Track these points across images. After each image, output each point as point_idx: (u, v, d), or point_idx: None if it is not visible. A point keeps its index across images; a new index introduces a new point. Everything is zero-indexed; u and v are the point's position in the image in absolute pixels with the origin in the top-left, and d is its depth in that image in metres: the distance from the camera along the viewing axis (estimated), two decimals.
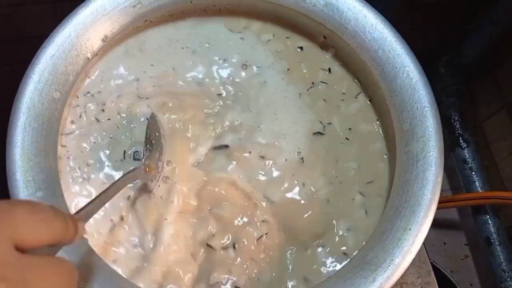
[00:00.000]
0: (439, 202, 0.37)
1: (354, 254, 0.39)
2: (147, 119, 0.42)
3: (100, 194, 0.32)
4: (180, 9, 0.45)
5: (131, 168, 0.39)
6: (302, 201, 0.42)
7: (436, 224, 1.02)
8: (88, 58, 0.41)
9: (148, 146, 0.41)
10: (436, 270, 0.55)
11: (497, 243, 0.86)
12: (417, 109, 0.39)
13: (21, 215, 0.22)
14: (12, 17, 0.61)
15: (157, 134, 0.42)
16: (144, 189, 0.41)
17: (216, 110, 0.45)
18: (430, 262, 0.49)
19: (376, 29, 0.41)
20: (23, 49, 0.41)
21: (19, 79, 0.38)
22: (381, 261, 0.35)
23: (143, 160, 0.40)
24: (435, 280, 0.48)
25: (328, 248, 0.40)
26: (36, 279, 0.22)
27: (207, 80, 0.45)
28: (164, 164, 0.42)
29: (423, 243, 0.36)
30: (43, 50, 0.39)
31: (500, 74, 0.88)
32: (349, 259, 0.39)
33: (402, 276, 0.35)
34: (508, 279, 0.84)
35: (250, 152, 0.43)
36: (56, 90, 0.39)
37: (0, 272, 0.20)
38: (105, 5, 0.41)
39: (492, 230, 0.87)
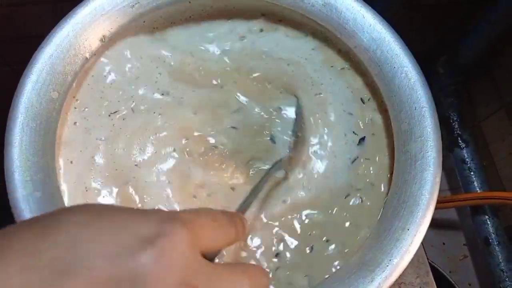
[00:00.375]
0: (438, 202, 0.37)
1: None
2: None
3: (254, 189, 0.33)
4: (178, 10, 0.45)
5: (279, 159, 0.40)
6: None
7: (435, 224, 1.02)
8: (87, 58, 0.41)
9: (294, 138, 0.42)
10: (435, 270, 0.55)
11: (495, 243, 0.86)
12: (415, 109, 0.39)
13: (205, 224, 0.23)
14: (12, 17, 0.61)
15: (303, 125, 0.42)
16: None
17: None
18: (429, 262, 0.49)
19: (375, 29, 0.41)
20: (23, 49, 0.41)
21: (19, 79, 0.38)
22: (380, 261, 0.35)
23: (289, 151, 0.41)
24: (434, 281, 0.48)
25: None
26: (225, 286, 0.22)
27: None
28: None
29: (422, 243, 0.36)
30: (41, 49, 0.39)
31: (498, 75, 0.88)
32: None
33: (401, 276, 0.35)
34: (507, 279, 0.84)
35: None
36: (54, 90, 0.39)
37: (193, 281, 0.20)
38: (104, 5, 0.41)
39: (491, 230, 0.87)
